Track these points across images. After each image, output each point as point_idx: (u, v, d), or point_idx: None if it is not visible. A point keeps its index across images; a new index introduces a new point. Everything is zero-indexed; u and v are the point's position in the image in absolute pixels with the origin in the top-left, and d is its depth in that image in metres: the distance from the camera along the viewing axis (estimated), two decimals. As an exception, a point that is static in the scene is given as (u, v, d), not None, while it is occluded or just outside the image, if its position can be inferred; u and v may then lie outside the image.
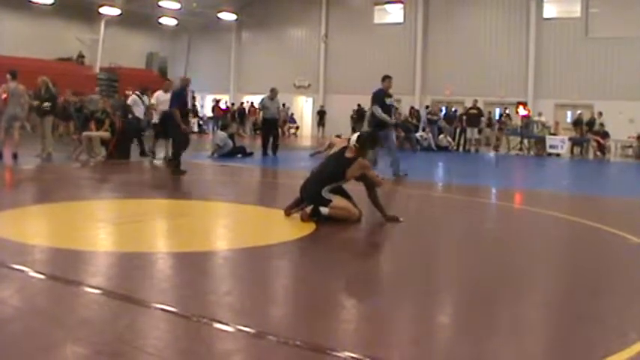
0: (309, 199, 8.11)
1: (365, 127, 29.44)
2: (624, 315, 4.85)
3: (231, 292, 5.14)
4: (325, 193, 8.02)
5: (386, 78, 14.33)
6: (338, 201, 8.02)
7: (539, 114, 29.01)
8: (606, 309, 4.98)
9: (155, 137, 17.21)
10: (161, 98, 16.96)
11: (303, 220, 7.91)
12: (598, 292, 5.53)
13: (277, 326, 4.27)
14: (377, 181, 8.42)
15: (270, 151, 19.55)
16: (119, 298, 4.63)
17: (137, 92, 18.94)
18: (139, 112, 18.35)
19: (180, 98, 13.90)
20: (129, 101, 18.88)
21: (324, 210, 7.92)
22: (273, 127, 20.31)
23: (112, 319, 4.24)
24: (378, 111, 13.72)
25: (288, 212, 8.29)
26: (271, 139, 19.81)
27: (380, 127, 13.56)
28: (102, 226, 7.69)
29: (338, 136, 20.17)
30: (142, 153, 17.67)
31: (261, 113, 21.09)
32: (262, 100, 20.52)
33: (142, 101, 18.52)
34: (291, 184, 13.50)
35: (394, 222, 8.24)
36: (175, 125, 13.69)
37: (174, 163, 13.53)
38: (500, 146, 28.46)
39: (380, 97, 13.88)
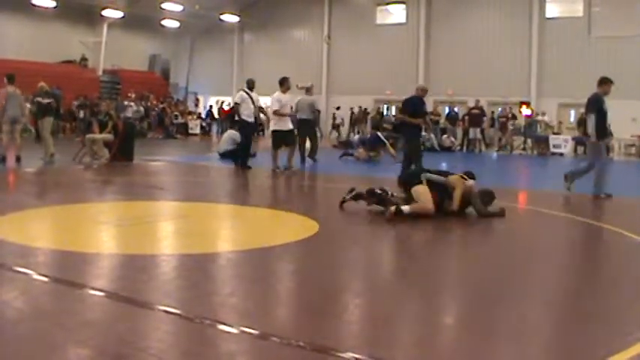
0: (407, 175, 9.42)
1: (368, 128, 29.57)
2: (627, 314, 4.84)
3: (234, 293, 5.15)
4: (423, 175, 9.01)
5: (605, 81, 12.36)
6: (423, 188, 8.77)
7: (543, 113, 28.97)
8: (609, 308, 4.97)
9: (274, 147, 14.93)
10: (283, 100, 14.92)
11: (387, 219, 8.38)
12: (601, 291, 5.53)
13: (281, 327, 4.28)
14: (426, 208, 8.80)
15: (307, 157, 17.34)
16: (122, 300, 4.64)
17: (244, 89, 15.72)
18: (247, 113, 15.36)
19: (417, 107, 12.77)
20: (236, 99, 15.88)
21: (405, 208, 8.54)
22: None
23: (115, 321, 4.25)
24: (593, 120, 11.75)
25: (341, 204, 9.19)
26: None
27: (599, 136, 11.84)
28: (105, 229, 7.71)
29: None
30: (244, 163, 15.34)
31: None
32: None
33: (252, 100, 15.36)
34: (294, 185, 13.53)
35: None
36: (412, 135, 12.92)
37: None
38: (505, 146, 28.24)
39: (598, 103, 11.95)
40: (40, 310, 4.45)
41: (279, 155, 15.01)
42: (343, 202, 9.16)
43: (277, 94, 14.93)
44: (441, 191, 8.95)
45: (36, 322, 4.18)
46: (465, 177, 9.18)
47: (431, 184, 8.91)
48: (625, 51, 28.65)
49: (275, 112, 14.81)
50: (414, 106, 12.68)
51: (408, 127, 12.92)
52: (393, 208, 8.54)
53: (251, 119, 15.45)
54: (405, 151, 13.23)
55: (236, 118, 15.76)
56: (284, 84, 15.18)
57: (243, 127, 15.65)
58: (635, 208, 11.36)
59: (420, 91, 13.09)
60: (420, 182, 8.85)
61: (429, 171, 9.26)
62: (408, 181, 9.12)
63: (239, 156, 15.65)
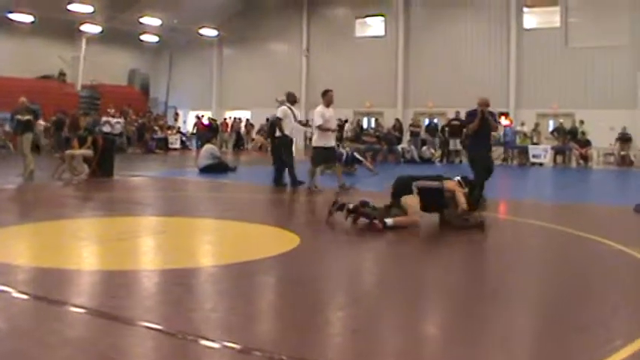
0: (399, 186, 9.04)
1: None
2: (609, 322, 4.87)
3: (216, 308, 5.12)
4: (414, 184, 8.93)
5: None
6: (411, 199, 8.81)
7: (522, 124, 29.22)
8: (591, 316, 5.00)
9: (314, 164, 14.01)
10: (327, 115, 13.79)
11: (372, 230, 8.52)
12: (583, 300, 5.56)
13: (263, 341, 4.26)
14: (461, 201, 8.98)
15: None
16: (104, 316, 4.61)
17: (286, 103, 14.80)
18: (289, 129, 14.58)
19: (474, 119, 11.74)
20: (278, 113, 14.72)
21: (389, 221, 8.58)
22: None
23: (96, 339, 4.21)
24: None
25: (329, 215, 9.04)
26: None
27: None
28: (85, 245, 7.65)
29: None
30: (295, 182, 14.31)
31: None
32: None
33: (294, 115, 14.71)
34: (275, 200, 13.52)
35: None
36: (472, 147, 12.15)
37: (479, 196, 10.25)
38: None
39: None
40: (20, 329, 4.41)
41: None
42: (330, 214, 9.08)
43: (320, 107, 13.90)
44: (436, 197, 8.92)
45: (16, 340, 4.14)
46: (462, 183, 9.31)
47: (423, 191, 8.88)
48: (602, 61, 29.01)
49: (319, 128, 13.76)
50: (471, 118, 12.28)
51: (470, 140, 12.47)
52: (377, 221, 8.55)
53: (292, 135, 14.72)
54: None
55: (277, 134, 14.60)
56: (325, 96, 14.12)
57: (284, 143, 14.63)
58: (614, 217, 11.44)
59: (479, 105, 12.00)
60: (411, 192, 8.83)
61: (419, 178, 9.18)
62: (399, 190, 9.03)
63: (280, 175, 14.63)
